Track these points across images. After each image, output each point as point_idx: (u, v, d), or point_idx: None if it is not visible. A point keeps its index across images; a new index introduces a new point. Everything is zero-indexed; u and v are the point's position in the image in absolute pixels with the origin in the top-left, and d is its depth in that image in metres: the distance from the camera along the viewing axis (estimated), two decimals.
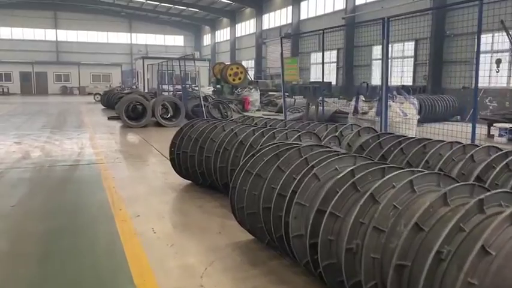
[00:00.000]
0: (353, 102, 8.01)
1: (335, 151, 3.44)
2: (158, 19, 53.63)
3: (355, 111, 7.72)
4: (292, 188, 3.13)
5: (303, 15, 30.47)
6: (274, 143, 3.95)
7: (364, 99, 7.75)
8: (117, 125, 14.56)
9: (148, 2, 45.91)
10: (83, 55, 49.14)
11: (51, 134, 11.75)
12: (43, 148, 9.46)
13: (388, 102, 7.18)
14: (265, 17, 36.67)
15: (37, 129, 13.02)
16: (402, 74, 20.16)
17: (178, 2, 43.27)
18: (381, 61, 23.97)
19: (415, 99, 8.34)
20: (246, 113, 18.02)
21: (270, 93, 23.27)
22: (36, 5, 48.03)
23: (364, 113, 7.57)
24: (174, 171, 6.24)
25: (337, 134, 5.10)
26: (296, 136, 4.59)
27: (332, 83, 26.38)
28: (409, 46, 20.40)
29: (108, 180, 6.50)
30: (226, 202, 5.34)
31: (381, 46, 22.41)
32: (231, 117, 15.68)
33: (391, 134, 4.71)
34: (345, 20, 23.85)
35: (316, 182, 3.05)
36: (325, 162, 3.10)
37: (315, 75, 29.65)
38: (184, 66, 16.96)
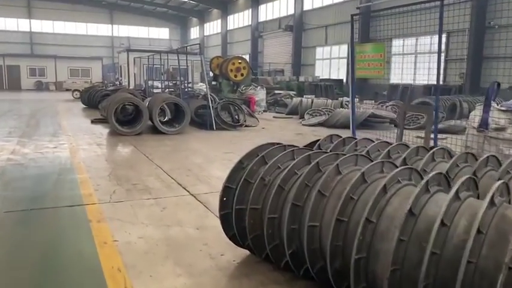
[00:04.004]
0: (478, 112, 5.36)
1: None
2: (142, 10, 50.15)
3: (483, 125, 5.10)
4: None
5: (307, 6, 27.71)
6: None
7: (498, 107, 5.15)
8: (103, 130, 11.69)
9: None
10: (59, 48, 45.51)
11: (19, 146, 8.82)
12: (3, 172, 6.58)
13: None
14: (262, 7, 33.70)
15: (1, 137, 10.04)
16: (430, 71, 17.74)
17: None
18: (402, 56, 21.54)
19: None
20: (253, 116, 15.24)
21: (277, 91, 20.62)
22: None
23: (500, 129, 4.99)
24: (215, 226, 3.49)
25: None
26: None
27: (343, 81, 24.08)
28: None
29: (107, 248, 3.72)
30: None
31: (403, 40, 19.55)
32: (245, 121, 12.94)
33: None
34: (360, 10, 21.26)
35: None
36: None
37: (320, 72, 27.11)
38: (186, 60, 14.12)
